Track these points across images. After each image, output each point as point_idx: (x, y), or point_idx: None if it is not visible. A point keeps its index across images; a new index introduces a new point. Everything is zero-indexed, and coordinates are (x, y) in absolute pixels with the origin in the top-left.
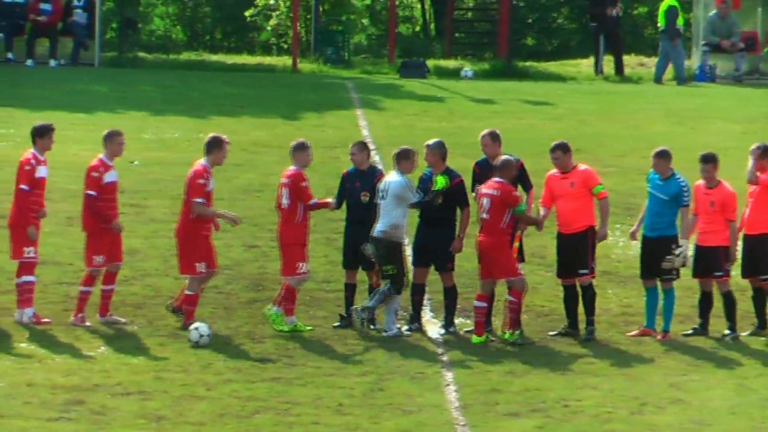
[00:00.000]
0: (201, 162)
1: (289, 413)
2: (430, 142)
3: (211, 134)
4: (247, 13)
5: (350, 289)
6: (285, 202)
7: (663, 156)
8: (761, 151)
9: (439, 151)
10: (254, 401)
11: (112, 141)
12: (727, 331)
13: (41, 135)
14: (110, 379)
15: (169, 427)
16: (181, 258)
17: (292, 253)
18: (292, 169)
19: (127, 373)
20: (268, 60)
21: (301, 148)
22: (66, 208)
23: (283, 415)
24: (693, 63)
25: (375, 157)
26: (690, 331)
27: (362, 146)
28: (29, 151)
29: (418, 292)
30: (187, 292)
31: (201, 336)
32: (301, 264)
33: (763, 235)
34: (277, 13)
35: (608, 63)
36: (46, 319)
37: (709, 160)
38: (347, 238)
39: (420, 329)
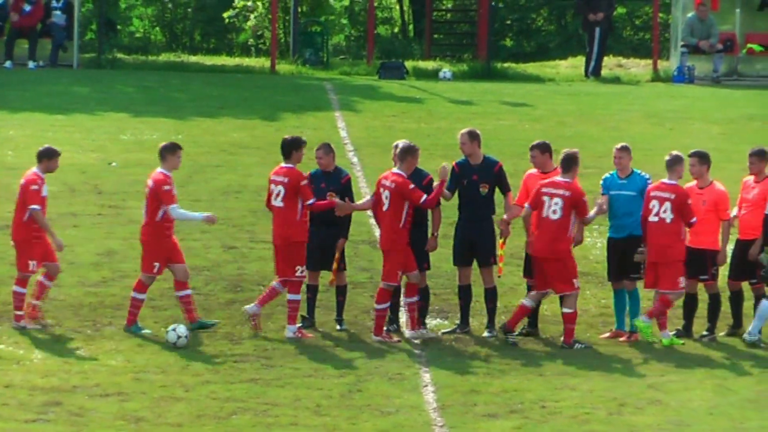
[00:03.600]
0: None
1: (268, 414)
2: (399, 143)
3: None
4: (225, 15)
5: (312, 290)
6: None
7: (626, 150)
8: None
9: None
10: (233, 402)
11: (51, 159)
12: (705, 332)
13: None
14: (88, 381)
15: (147, 429)
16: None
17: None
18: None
19: (106, 374)
20: (247, 61)
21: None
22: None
23: (261, 416)
24: (672, 64)
25: (353, 159)
26: (673, 333)
27: (328, 148)
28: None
29: (395, 294)
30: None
31: (179, 337)
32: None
33: (756, 240)
34: (256, 14)
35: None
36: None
37: (694, 155)
38: (312, 239)
39: (398, 330)
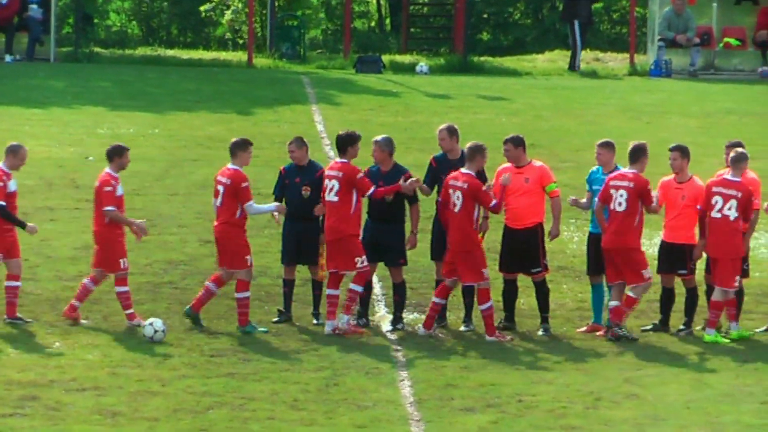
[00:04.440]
0: (107, 170)
1: (245, 408)
2: (379, 138)
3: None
4: (202, 9)
5: (289, 284)
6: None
7: (607, 146)
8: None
9: (387, 147)
10: (209, 396)
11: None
12: (682, 326)
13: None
14: (65, 375)
15: (124, 423)
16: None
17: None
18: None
19: (83, 368)
20: (224, 55)
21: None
22: (21, 204)
23: (238, 411)
24: (649, 58)
25: (330, 153)
26: (649, 327)
27: (301, 142)
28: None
29: (365, 288)
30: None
31: (156, 331)
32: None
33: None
34: (233, 8)
35: (564, 58)
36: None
37: (675, 149)
38: (287, 234)
39: (368, 324)
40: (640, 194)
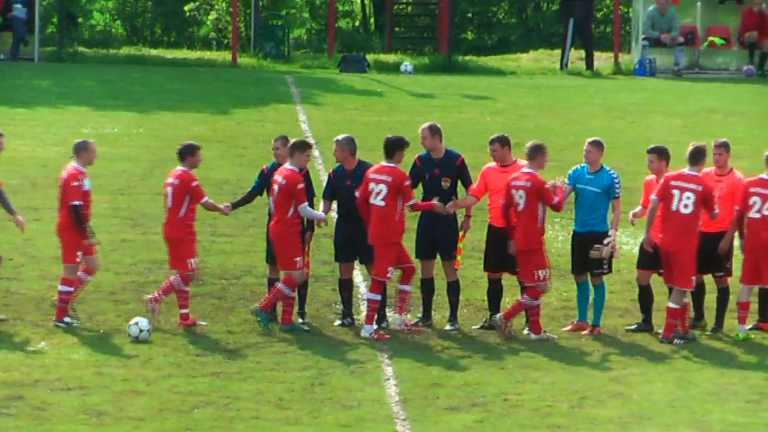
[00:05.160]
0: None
1: (230, 408)
2: (340, 137)
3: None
4: (186, 8)
5: (273, 284)
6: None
7: (597, 145)
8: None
9: (348, 146)
10: (194, 396)
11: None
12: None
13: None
14: (50, 375)
15: (109, 422)
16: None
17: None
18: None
19: (68, 368)
20: (208, 55)
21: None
22: None
23: (223, 410)
24: (633, 57)
25: (314, 152)
26: (633, 327)
27: (285, 140)
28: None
29: (346, 288)
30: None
31: (141, 331)
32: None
33: (722, 233)
34: (217, 7)
35: (549, 58)
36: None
37: (653, 151)
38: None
39: (353, 324)
40: (705, 199)
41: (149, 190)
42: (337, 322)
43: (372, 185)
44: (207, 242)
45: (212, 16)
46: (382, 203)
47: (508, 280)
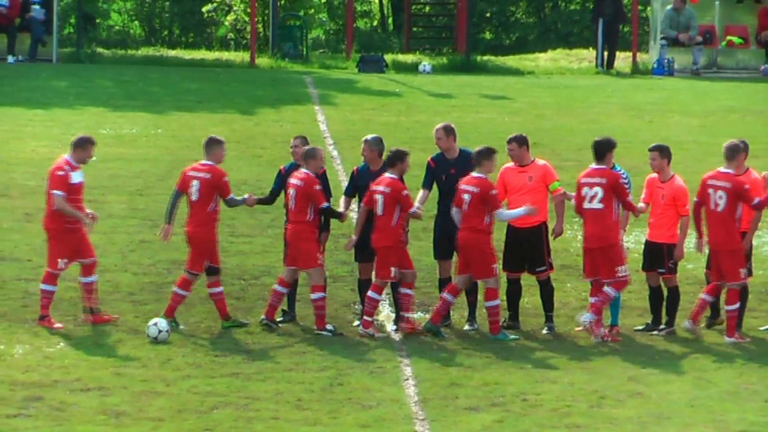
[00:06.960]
0: (64, 156)
1: (249, 408)
2: (369, 137)
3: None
4: (204, 9)
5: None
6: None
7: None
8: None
9: (377, 147)
10: (213, 396)
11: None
12: (662, 326)
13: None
14: (69, 375)
15: (128, 423)
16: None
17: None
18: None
19: (87, 369)
20: (226, 55)
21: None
22: (24, 205)
23: (242, 411)
24: (651, 57)
25: (333, 152)
26: (641, 327)
27: (305, 140)
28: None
29: (365, 288)
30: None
31: (160, 331)
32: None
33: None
34: (235, 8)
35: (566, 57)
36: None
37: (654, 149)
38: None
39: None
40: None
41: (168, 191)
42: (356, 323)
43: (585, 189)
44: (226, 243)
45: (231, 17)
46: (600, 206)
47: (527, 280)
